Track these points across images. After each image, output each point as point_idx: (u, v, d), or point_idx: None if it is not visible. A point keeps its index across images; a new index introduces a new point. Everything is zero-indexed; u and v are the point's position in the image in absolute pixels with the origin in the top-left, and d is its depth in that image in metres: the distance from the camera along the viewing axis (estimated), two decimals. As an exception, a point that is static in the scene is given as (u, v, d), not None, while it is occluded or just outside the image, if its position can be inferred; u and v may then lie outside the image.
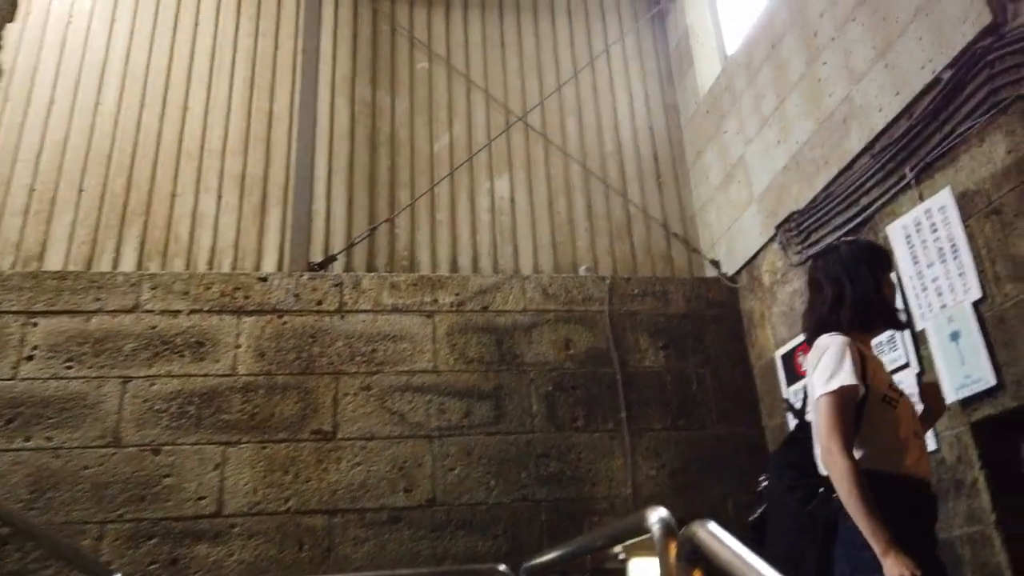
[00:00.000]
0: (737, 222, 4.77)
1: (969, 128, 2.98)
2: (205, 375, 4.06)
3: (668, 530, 1.65)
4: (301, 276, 4.42)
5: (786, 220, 4.19)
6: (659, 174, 5.41)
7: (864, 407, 2.00)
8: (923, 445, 2.09)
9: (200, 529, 3.77)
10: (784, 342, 4.25)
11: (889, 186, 3.43)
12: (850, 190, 3.66)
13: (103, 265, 4.36)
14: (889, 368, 2.78)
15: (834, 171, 3.78)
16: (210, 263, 4.50)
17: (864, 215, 3.58)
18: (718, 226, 5.02)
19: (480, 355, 4.39)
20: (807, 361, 2.16)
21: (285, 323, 4.26)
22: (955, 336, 2.99)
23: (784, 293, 4.28)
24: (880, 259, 2.26)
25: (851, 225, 3.65)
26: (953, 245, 3.02)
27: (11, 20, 3.78)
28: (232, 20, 5.16)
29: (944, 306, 3.06)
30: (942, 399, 2.31)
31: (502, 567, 3.43)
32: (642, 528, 1.76)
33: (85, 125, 4.67)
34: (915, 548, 1.79)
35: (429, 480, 4.06)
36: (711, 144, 5.12)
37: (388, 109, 5.17)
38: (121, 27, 4.97)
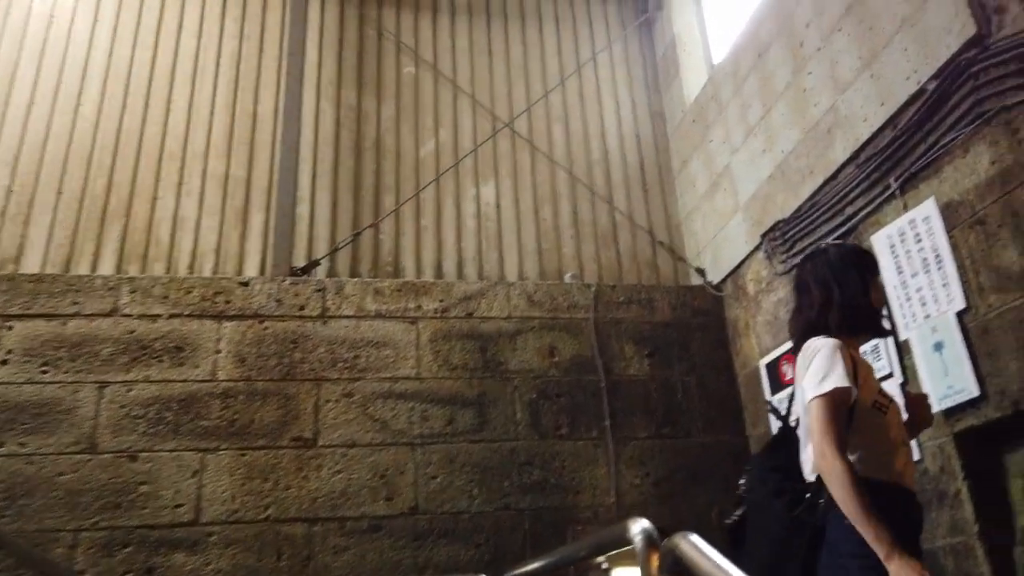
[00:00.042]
0: (723, 231, 4.77)
1: (953, 139, 2.98)
2: (184, 381, 4.00)
3: (650, 542, 1.62)
4: (283, 281, 4.37)
5: (771, 229, 4.19)
6: (645, 182, 5.41)
7: (854, 412, 1.97)
8: (910, 453, 2.08)
9: (177, 537, 3.70)
10: (768, 351, 4.25)
11: (874, 196, 3.43)
12: (835, 199, 3.67)
13: (81, 268, 4.29)
14: (873, 378, 2.77)
15: (819, 180, 3.79)
16: (191, 267, 4.44)
17: (849, 225, 3.59)
18: (704, 234, 5.02)
19: (464, 362, 4.36)
20: (797, 364, 2.13)
21: (266, 328, 4.21)
22: (939, 346, 2.99)
23: (769, 302, 4.28)
24: (868, 263, 2.24)
25: (836, 235, 3.65)
26: (937, 255, 3.03)
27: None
28: (216, 22, 5.11)
29: (928, 316, 3.06)
30: (929, 409, 2.28)
31: (484, 577, 3.39)
32: (624, 539, 1.73)
33: (65, 126, 4.60)
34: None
35: (411, 488, 4.02)
36: (697, 152, 5.12)
37: (374, 114, 5.14)
38: (104, 27, 4.91)
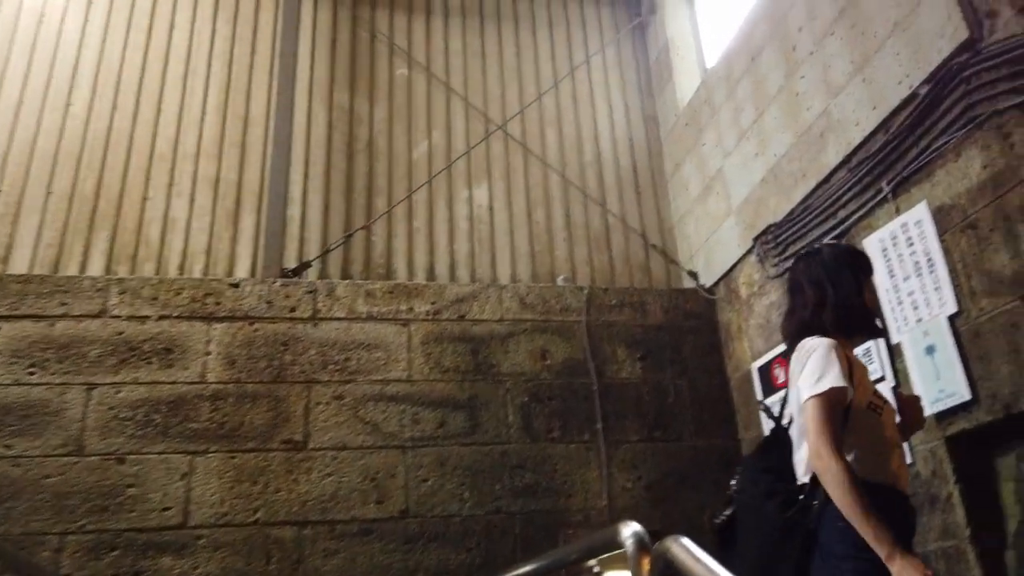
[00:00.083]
0: (715, 234, 4.77)
1: (945, 143, 2.99)
2: (173, 382, 3.97)
3: (641, 545, 1.61)
4: (274, 283, 4.35)
5: (764, 232, 4.19)
6: (638, 185, 5.41)
7: (849, 412, 1.96)
8: (904, 455, 2.07)
9: (165, 541, 3.67)
10: (761, 354, 4.24)
11: (866, 200, 3.43)
12: (827, 203, 3.67)
13: (70, 269, 4.26)
14: (865, 381, 2.77)
15: (812, 184, 3.79)
16: (181, 268, 4.41)
17: (841, 228, 3.59)
18: (696, 238, 5.02)
19: (456, 364, 4.34)
20: (791, 364, 2.12)
21: (257, 330, 4.18)
22: (930, 350, 2.99)
23: (761, 305, 4.27)
24: (862, 264, 2.24)
25: (828, 238, 3.65)
26: (929, 259, 3.03)
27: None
28: (208, 23, 5.09)
29: (920, 320, 3.06)
30: (921, 411, 2.27)
31: (474, 581, 3.37)
32: (615, 543, 1.72)
33: (55, 126, 4.57)
34: None
35: (402, 491, 3.99)
36: (690, 156, 5.12)
37: (366, 116, 5.13)
38: (94, 27, 4.88)
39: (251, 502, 3.81)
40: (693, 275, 5.00)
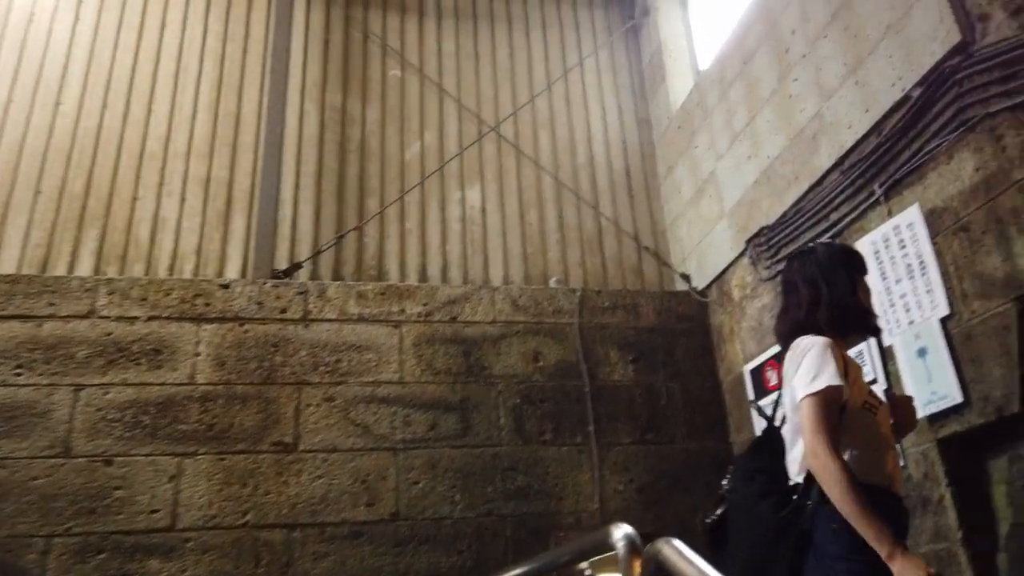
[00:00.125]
0: (707, 236, 4.76)
1: (938, 146, 2.99)
2: (162, 384, 3.94)
3: (632, 547, 1.59)
4: (265, 283, 4.32)
5: (756, 235, 4.19)
6: (631, 187, 5.41)
7: (844, 412, 1.94)
8: (898, 456, 2.06)
9: (152, 543, 3.63)
10: (753, 357, 4.24)
11: (858, 202, 3.43)
12: (820, 206, 3.67)
13: (58, 269, 4.22)
14: (857, 383, 2.76)
15: (804, 187, 3.79)
16: (171, 269, 4.38)
17: (833, 231, 3.59)
18: (689, 240, 5.01)
19: (447, 366, 4.32)
20: (785, 363, 2.10)
21: (247, 331, 4.15)
22: (922, 352, 2.98)
23: (753, 308, 4.27)
24: (856, 263, 2.23)
25: (821, 240, 3.66)
26: (921, 262, 3.03)
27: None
28: (200, 22, 5.06)
29: (912, 322, 3.06)
30: (914, 412, 2.26)
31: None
32: (607, 545, 1.70)
33: (44, 124, 4.53)
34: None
35: (392, 494, 3.97)
36: (683, 159, 5.12)
37: (359, 116, 5.11)
38: (85, 25, 4.84)
39: (240, 504, 3.78)
40: (686, 277, 4.99)
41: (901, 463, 3.04)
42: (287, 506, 3.83)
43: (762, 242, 4.14)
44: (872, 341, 3.23)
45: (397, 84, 5.27)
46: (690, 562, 1.38)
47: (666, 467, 4.33)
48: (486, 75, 5.47)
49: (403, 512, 3.94)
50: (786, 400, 2.08)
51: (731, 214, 4.50)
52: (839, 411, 1.92)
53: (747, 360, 4.30)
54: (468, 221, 4.98)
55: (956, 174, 2.90)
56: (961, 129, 2.87)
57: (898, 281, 3.14)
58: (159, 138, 4.68)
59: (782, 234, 3.96)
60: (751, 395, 4.22)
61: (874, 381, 3.25)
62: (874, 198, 3.32)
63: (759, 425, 3.91)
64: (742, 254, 4.37)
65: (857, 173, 3.41)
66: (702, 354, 4.70)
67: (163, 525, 3.67)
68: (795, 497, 1.95)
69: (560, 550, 3.31)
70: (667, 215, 5.33)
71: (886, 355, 3.21)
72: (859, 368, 2.13)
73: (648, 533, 1.63)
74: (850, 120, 3.47)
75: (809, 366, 1.95)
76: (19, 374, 3.81)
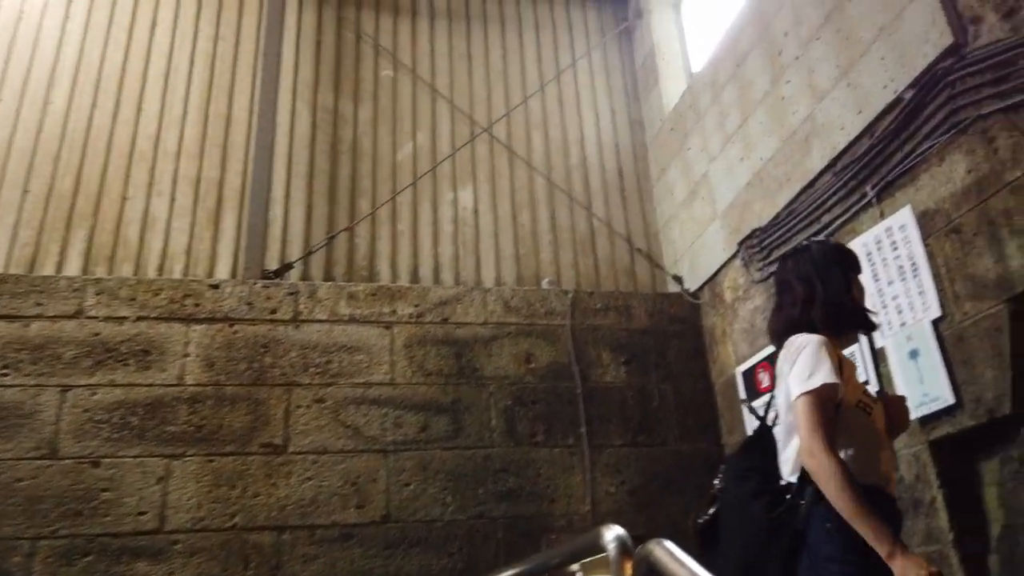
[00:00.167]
0: (700, 238, 4.76)
1: (930, 148, 2.99)
2: (150, 385, 3.90)
3: (624, 549, 1.58)
4: (255, 284, 4.29)
5: (748, 237, 4.19)
6: (623, 189, 5.40)
7: (839, 411, 1.93)
8: (892, 457, 2.04)
9: (140, 546, 3.59)
10: (745, 359, 4.23)
11: (850, 204, 3.44)
12: (812, 207, 3.67)
13: (46, 269, 4.18)
14: (850, 385, 2.75)
15: (796, 188, 3.79)
16: (160, 269, 4.35)
17: (826, 232, 3.58)
18: (681, 242, 5.01)
19: (439, 368, 4.30)
20: (779, 361, 2.08)
21: (236, 332, 4.12)
22: (914, 354, 2.98)
23: (745, 310, 4.27)
24: (850, 261, 2.22)
25: (813, 242, 3.65)
26: (913, 263, 3.03)
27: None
28: (191, 22, 5.03)
29: (904, 324, 3.05)
30: (907, 412, 2.25)
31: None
32: (598, 546, 1.69)
33: (33, 123, 4.50)
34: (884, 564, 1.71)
35: (383, 496, 3.94)
36: (675, 161, 5.12)
37: (351, 117, 5.08)
38: (75, 24, 4.81)
39: (229, 506, 3.75)
40: (678, 279, 4.99)
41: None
42: (276, 508, 3.80)
43: (754, 244, 4.14)
44: (864, 343, 3.23)
45: (389, 85, 5.26)
46: (681, 564, 1.37)
47: (658, 469, 4.31)
48: (479, 76, 5.46)
49: (394, 514, 3.91)
50: (780, 399, 2.07)
51: (723, 216, 4.50)
52: (835, 409, 1.91)
53: (739, 362, 4.29)
54: (460, 222, 4.96)
55: (948, 176, 2.90)
56: (953, 131, 2.88)
57: (890, 283, 3.14)
58: (149, 137, 4.65)
59: (774, 236, 3.96)
60: (743, 396, 4.22)
61: (866, 383, 3.24)
62: (866, 200, 3.32)
63: (751, 427, 3.91)
64: (734, 256, 4.37)
65: (849, 175, 3.41)
66: (694, 356, 4.69)
67: (151, 527, 3.64)
68: (788, 497, 1.93)
69: (551, 552, 3.30)
70: (660, 217, 5.32)
71: (878, 357, 3.21)
72: (853, 366, 2.12)
73: (640, 535, 1.61)
74: (842, 122, 3.47)
75: (804, 364, 1.94)
76: (5, 374, 3.77)
